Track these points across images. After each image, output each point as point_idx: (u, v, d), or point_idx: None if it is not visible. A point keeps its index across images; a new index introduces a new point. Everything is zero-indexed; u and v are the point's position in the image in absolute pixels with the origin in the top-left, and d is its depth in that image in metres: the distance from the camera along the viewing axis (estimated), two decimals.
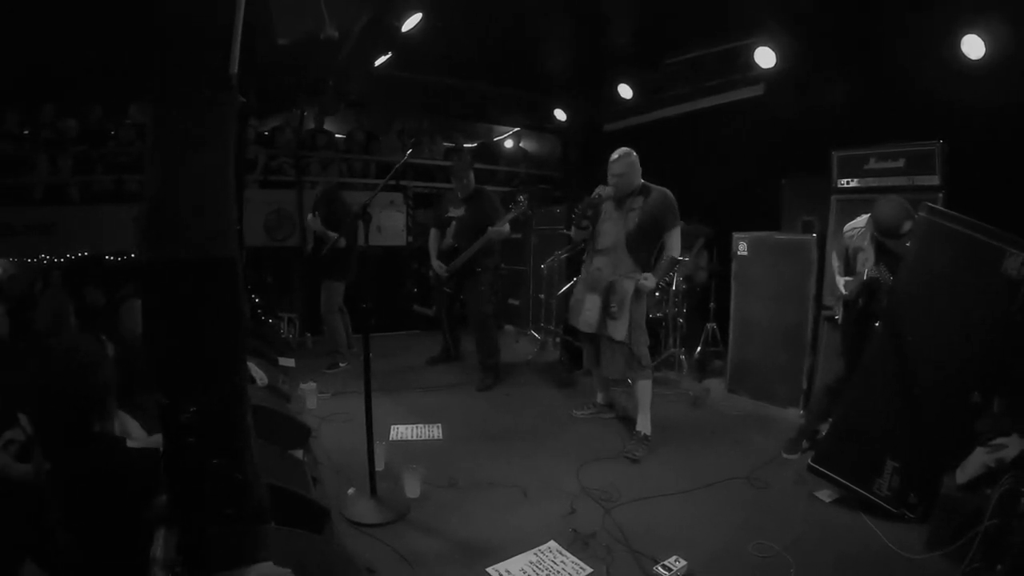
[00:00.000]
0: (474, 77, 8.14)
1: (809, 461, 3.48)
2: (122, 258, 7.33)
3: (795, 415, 4.76)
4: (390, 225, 7.97)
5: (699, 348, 5.89)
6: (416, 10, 5.46)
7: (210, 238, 2.27)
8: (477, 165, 8.54)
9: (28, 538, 2.15)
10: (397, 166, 3.83)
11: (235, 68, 2.28)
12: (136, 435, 2.69)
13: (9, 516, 2.32)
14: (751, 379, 5.24)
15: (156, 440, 2.48)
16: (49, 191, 7.25)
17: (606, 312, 4.09)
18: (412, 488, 3.36)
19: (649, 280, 4.02)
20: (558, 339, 6.50)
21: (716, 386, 5.53)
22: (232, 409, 2.30)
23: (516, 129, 10.08)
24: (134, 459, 2.25)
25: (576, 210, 4.34)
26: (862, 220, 3.61)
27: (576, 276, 6.06)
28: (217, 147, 2.32)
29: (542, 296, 7.07)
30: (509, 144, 10.33)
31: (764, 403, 5.06)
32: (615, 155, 4.14)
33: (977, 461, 2.82)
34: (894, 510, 3.12)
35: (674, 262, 4.15)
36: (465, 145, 9.64)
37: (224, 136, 2.35)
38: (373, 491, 3.23)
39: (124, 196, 7.34)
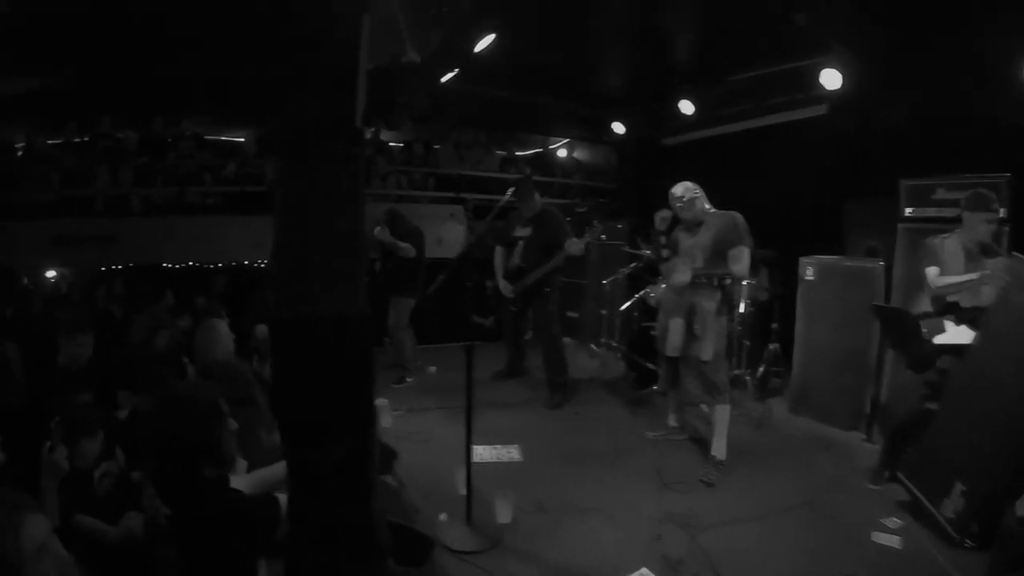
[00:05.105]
0: (532, 89, 8.20)
1: (898, 472, 3.72)
2: (179, 266, 7.57)
3: (857, 438, 4.85)
4: (451, 238, 8.10)
5: (761, 368, 5.94)
6: (490, 31, 5.61)
7: (342, 295, 2.27)
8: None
9: None
10: (501, 202, 4.00)
11: (361, 119, 2.26)
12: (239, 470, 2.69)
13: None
14: (814, 401, 5.29)
15: (259, 476, 2.57)
16: (110, 202, 7.47)
17: (690, 334, 4.21)
18: (503, 513, 3.45)
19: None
20: (620, 356, 6.60)
21: (777, 406, 5.61)
22: (363, 459, 2.34)
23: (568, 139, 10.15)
24: (251, 506, 2.20)
25: (652, 246, 4.46)
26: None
27: (637, 292, 6.24)
28: (350, 202, 2.30)
29: (604, 312, 7.18)
30: (562, 154, 10.39)
31: (826, 425, 5.11)
32: (676, 189, 4.32)
33: None
34: (955, 535, 3.23)
35: (728, 274, 4.14)
36: (517, 153, 9.73)
37: (356, 190, 2.33)
38: (468, 518, 3.34)
39: (185, 208, 7.61)
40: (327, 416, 2.27)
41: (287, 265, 2.28)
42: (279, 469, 2.64)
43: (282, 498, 2.27)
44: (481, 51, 5.90)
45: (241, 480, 2.40)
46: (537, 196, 5.64)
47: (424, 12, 4.68)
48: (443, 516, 3.46)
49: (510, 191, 4.52)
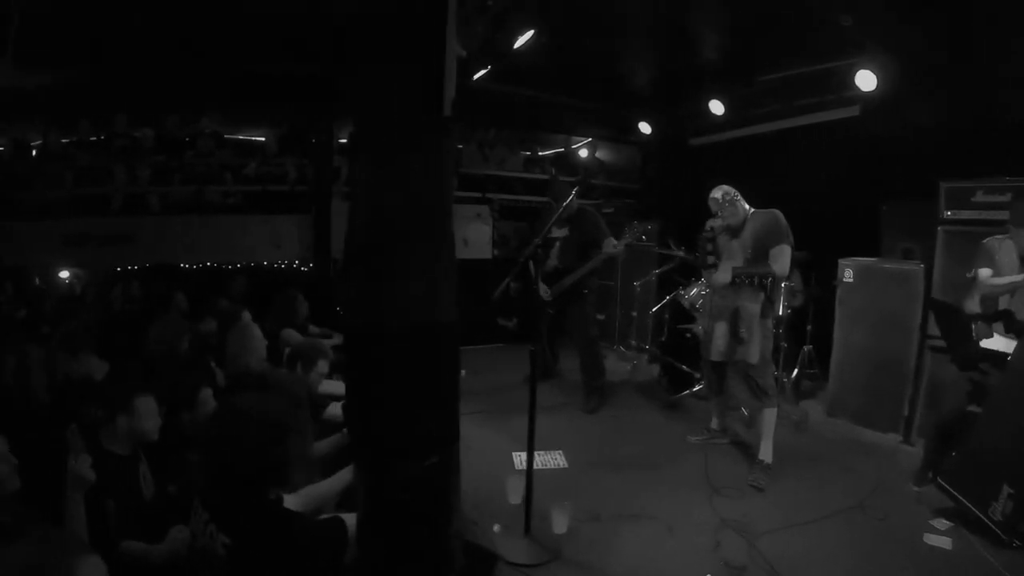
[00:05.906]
0: (556, 89, 8.09)
1: (938, 477, 3.66)
2: (197, 266, 7.48)
3: (895, 440, 4.84)
4: (476, 238, 8.07)
5: (796, 371, 5.90)
6: (530, 26, 5.50)
7: (431, 300, 2.13)
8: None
9: None
10: (560, 208, 3.95)
11: (449, 110, 2.10)
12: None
13: None
14: (852, 404, 5.25)
15: (311, 493, 2.47)
16: (127, 201, 7.38)
17: (735, 338, 4.17)
18: (560, 524, 3.38)
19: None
20: (650, 358, 6.55)
21: (813, 408, 5.58)
22: (445, 477, 2.25)
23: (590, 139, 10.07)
24: (317, 530, 2.05)
25: (696, 254, 4.42)
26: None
27: (668, 294, 6.18)
28: (439, 198, 2.15)
29: (634, 314, 7.12)
30: (584, 153, 10.28)
31: (864, 428, 5.09)
32: (715, 193, 4.29)
33: None
34: (1004, 537, 3.21)
35: (769, 273, 4.06)
36: (540, 153, 9.66)
37: (446, 185, 2.18)
38: (527, 529, 3.27)
39: (204, 207, 7.54)
40: (411, 431, 2.15)
41: (368, 267, 2.14)
42: (330, 484, 2.58)
43: (349, 519, 2.15)
44: (516, 48, 5.78)
45: (292, 498, 2.28)
46: (574, 195, 5.55)
47: (469, 3, 4.57)
48: (497, 527, 3.41)
49: (574, 191, 4.47)
